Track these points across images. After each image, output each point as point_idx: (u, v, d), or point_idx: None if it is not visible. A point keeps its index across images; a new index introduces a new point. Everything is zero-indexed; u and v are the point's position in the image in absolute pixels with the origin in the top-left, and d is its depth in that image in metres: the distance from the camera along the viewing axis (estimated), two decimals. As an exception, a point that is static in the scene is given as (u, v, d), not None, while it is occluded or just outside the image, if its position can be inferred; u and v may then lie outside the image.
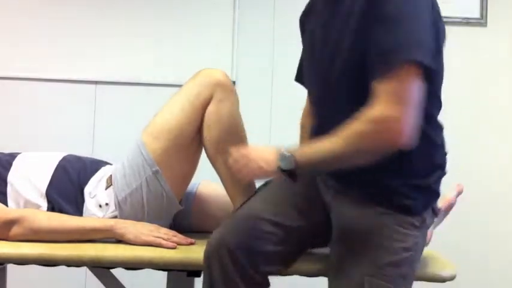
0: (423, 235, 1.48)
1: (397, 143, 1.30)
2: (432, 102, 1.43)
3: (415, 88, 1.30)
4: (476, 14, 3.01)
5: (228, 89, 1.81)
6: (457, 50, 2.96)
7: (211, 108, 1.78)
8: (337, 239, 1.50)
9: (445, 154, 1.54)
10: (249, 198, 1.64)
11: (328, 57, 1.46)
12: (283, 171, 1.41)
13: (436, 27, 1.41)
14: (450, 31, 2.88)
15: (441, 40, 1.46)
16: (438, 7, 1.45)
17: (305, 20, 1.73)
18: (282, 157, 1.41)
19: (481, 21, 3.01)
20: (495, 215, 2.96)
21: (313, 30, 1.59)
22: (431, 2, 1.40)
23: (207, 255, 1.48)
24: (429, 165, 1.48)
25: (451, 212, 1.74)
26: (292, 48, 3.02)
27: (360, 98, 1.35)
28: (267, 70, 3.03)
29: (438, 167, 1.51)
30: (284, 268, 1.53)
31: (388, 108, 1.29)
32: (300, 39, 2.94)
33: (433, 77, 1.39)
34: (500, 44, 3.03)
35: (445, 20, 2.85)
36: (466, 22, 3.01)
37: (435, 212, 1.53)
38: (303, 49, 1.71)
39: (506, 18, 3.03)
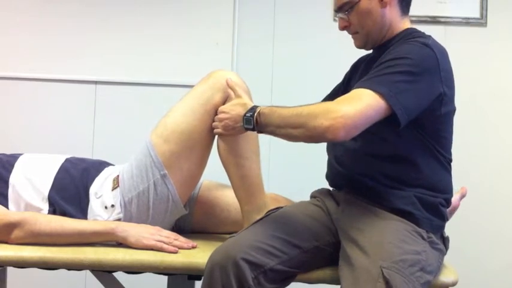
0: (433, 253, 1.54)
1: (332, 132, 1.43)
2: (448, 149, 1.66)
3: (369, 110, 1.46)
4: (476, 14, 3.00)
5: (243, 90, 1.79)
6: (457, 50, 2.95)
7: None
8: (349, 240, 1.52)
9: (451, 194, 1.68)
10: (262, 218, 1.65)
11: None
12: (246, 121, 1.61)
13: (438, 96, 1.56)
14: (450, 31, 2.94)
15: (447, 107, 1.61)
16: (447, 75, 1.60)
17: (356, 67, 1.89)
18: (251, 107, 1.63)
19: (481, 21, 3.00)
20: (496, 217, 2.96)
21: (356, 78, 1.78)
22: (439, 68, 1.56)
23: (211, 264, 1.48)
24: (439, 186, 1.62)
25: (454, 215, 1.75)
26: (292, 49, 3.05)
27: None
28: (267, 70, 3.02)
29: (446, 194, 1.64)
30: (283, 287, 1.55)
31: (343, 103, 1.47)
32: (299, 37, 2.97)
33: (442, 143, 1.63)
34: (500, 44, 3.02)
35: (445, 20, 2.94)
36: (466, 22, 3.00)
37: (445, 241, 1.63)
38: (346, 83, 1.90)
39: (506, 18, 3.02)
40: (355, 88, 1.52)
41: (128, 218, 1.76)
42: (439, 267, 1.57)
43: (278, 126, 1.55)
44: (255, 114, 1.60)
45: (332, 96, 1.90)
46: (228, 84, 1.77)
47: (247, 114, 1.62)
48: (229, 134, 1.74)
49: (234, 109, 1.69)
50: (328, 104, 1.50)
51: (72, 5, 2.99)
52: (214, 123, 1.76)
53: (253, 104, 1.67)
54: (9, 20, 2.96)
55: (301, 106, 1.53)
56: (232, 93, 1.76)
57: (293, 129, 1.51)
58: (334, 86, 1.95)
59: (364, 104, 1.46)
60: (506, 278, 2.93)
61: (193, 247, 1.69)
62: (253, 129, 1.62)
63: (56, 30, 2.98)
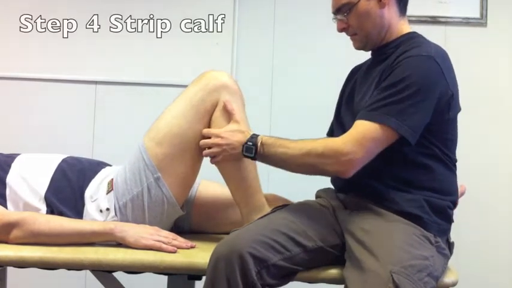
0: (439, 258, 1.54)
1: (341, 173, 1.55)
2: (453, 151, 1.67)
3: (376, 144, 1.52)
4: (476, 14, 3.00)
5: (234, 91, 1.79)
6: (457, 50, 2.95)
7: (218, 113, 1.76)
8: (357, 241, 1.52)
9: (457, 195, 1.69)
10: (268, 214, 1.65)
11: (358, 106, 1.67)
12: (246, 149, 1.64)
13: (446, 100, 1.58)
14: (450, 31, 2.94)
15: (454, 110, 1.63)
16: (452, 79, 1.61)
17: (350, 79, 1.89)
18: (252, 135, 1.65)
19: (481, 21, 3.00)
20: (496, 216, 2.96)
21: (354, 86, 1.80)
22: (445, 76, 1.56)
23: (216, 256, 1.47)
24: (446, 188, 1.62)
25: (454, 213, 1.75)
26: (292, 48, 3.05)
27: None
28: (267, 70, 3.02)
29: (452, 196, 1.64)
30: (284, 284, 1.54)
31: (350, 145, 1.51)
32: (299, 37, 2.97)
33: (448, 145, 1.63)
34: (500, 44, 3.02)
35: (445, 20, 2.94)
36: (466, 22, 3.00)
37: (450, 246, 1.63)
38: (339, 99, 1.89)
39: (506, 18, 3.02)
40: (361, 118, 1.54)
41: (124, 221, 1.75)
42: (443, 272, 1.56)
43: (283, 161, 1.60)
44: (258, 143, 1.62)
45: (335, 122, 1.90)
46: (226, 107, 1.75)
47: (248, 143, 1.64)
48: (225, 160, 1.74)
49: (233, 135, 1.69)
50: (336, 146, 1.53)
51: (72, 5, 2.99)
52: (209, 149, 1.72)
53: (252, 132, 1.68)
54: (9, 20, 2.96)
55: (306, 143, 1.58)
56: (224, 96, 1.76)
57: (299, 167, 1.59)
58: (333, 85, 1.95)
59: (372, 141, 1.51)
60: (507, 277, 2.93)
61: (192, 247, 1.69)
62: (252, 158, 1.65)
63: (56, 30, 2.98)
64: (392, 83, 1.54)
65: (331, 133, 1.90)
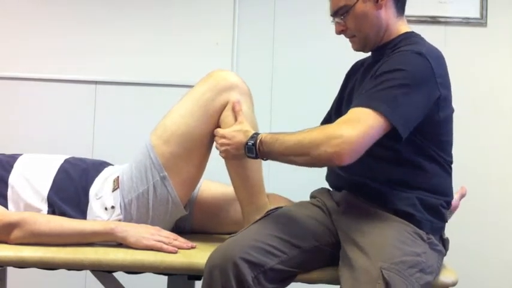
0: (433, 254, 1.54)
1: (335, 159, 1.45)
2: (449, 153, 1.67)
3: (369, 129, 1.46)
4: (476, 14, 3.00)
5: (244, 91, 1.79)
6: (457, 50, 2.96)
7: (228, 112, 1.76)
8: (349, 241, 1.53)
9: (451, 196, 1.68)
10: (261, 218, 1.65)
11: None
12: (247, 149, 1.61)
13: (435, 101, 1.56)
14: (450, 31, 2.94)
15: (445, 111, 1.61)
16: (443, 79, 1.59)
17: (351, 74, 1.89)
18: (252, 135, 1.63)
19: (481, 21, 3.00)
20: (496, 216, 2.96)
21: (354, 86, 1.78)
22: (434, 76, 1.55)
23: (211, 265, 1.48)
24: (441, 189, 1.63)
25: (455, 215, 1.75)
26: (292, 48, 3.05)
27: None
28: (267, 70, 3.02)
29: (447, 196, 1.64)
30: (283, 287, 1.55)
31: (343, 127, 1.46)
32: (299, 37, 2.97)
33: (443, 147, 1.63)
34: (500, 44, 3.02)
35: (445, 20, 2.94)
36: (466, 22, 3.01)
37: (445, 243, 1.63)
38: (339, 94, 1.89)
39: (506, 18, 3.02)
40: (354, 106, 1.52)
41: (128, 219, 1.76)
42: (438, 268, 1.57)
43: (281, 154, 1.56)
44: (257, 142, 1.60)
45: (331, 113, 1.91)
46: (234, 108, 1.75)
47: (248, 143, 1.62)
48: (231, 159, 1.75)
49: (236, 135, 1.68)
50: (329, 129, 1.49)
51: (72, 5, 2.99)
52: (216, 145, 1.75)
53: (253, 132, 1.67)
54: (9, 21, 2.96)
55: (302, 132, 1.54)
56: (233, 96, 1.76)
57: (296, 157, 1.53)
58: (333, 85, 1.95)
59: (365, 125, 1.46)
60: (507, 277, 2.93)
61: (193, 247, 1.69)
62: (255, 157, 1.63)
63: (56, 30, 2.98)
64: (383, 72, 1.54)
65: (326, 123, 1.90)
